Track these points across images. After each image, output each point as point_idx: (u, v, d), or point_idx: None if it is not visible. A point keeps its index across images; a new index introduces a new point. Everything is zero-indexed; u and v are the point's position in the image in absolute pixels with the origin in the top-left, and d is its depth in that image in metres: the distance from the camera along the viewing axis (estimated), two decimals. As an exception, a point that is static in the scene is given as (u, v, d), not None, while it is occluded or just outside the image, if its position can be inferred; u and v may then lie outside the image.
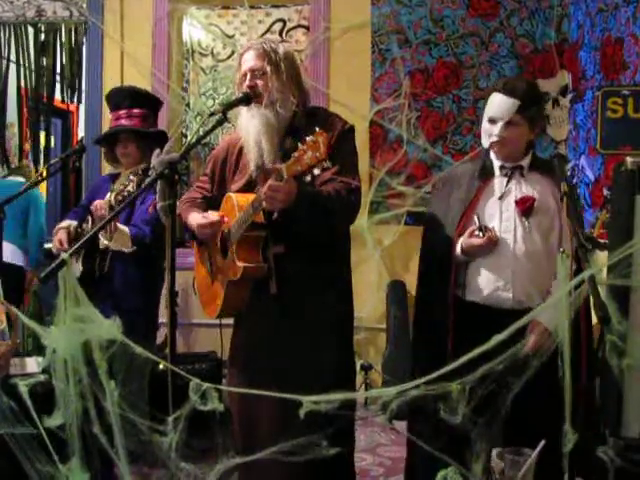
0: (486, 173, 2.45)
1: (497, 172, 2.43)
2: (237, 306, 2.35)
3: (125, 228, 3.03)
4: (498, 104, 2.36)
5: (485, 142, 2.43)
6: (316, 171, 1.96)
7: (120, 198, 2.97)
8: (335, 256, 2.35)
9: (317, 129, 1.91)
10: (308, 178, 2.03)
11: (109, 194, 3.21)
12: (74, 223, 3.26)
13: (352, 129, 2.37)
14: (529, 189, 2.37)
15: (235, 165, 2.41)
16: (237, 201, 2.25)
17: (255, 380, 2.17)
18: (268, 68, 2.28)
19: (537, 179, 2.40)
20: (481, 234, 2.33)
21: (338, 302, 2.36)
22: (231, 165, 2.42)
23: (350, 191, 2.23)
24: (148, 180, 2.05)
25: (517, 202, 2.35)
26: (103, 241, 3.01)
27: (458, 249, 2.39)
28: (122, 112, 3.25)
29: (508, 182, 2.39)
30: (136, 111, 3.25)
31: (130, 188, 3.04)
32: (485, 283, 2.37)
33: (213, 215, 2.30)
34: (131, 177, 2.94)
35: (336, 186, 2.21)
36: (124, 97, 3.31)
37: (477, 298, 2.39)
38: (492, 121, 2.37)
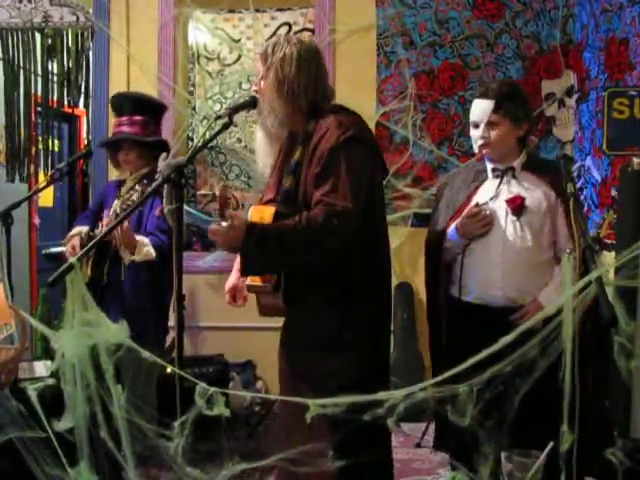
0: (480, 177, 2.55)
1: (490, 175, 2.51)
2: (270, 311, 2.28)
3: (144, 239, 3.03)
4: (476, 108, 2.50)
5: (475, 147, 2.52)
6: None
7: (125, 207, 2.98)
8: (342, 270, 2.14)
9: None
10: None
11: (115, 201, 3.23)
12: (85, 229, 3.27)
13: (351, 139, 2.07)
14: (520, 189, 2.44)
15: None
16: (251, 215, 2.16)
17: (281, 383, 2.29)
18: (265, 72, 2.19)
19: (529, 179, 2.46)
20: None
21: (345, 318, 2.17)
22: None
23: (333, 215, 1.98)
24: (154, 184, 2.05)
25: (507, 201, 2.42)
26: (127, 257, 3.01)
27: (449, 236, 2.46)
28: (124, 119, 3.25)
29: (500, 183, 2.45)
30: (137, 118, 3.24)
31: (134, 197, 3.06)
32: (477, 281, 2.43)
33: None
34: (136, 187, 2.94)
35: (316, 211, 2.02)
36: (126, 103, 3.32)
37: (470, 297, 2.45)
38: (475, 126, 2.50)
